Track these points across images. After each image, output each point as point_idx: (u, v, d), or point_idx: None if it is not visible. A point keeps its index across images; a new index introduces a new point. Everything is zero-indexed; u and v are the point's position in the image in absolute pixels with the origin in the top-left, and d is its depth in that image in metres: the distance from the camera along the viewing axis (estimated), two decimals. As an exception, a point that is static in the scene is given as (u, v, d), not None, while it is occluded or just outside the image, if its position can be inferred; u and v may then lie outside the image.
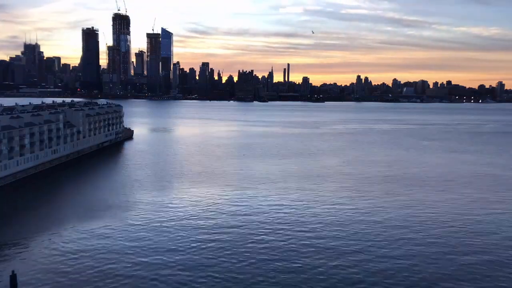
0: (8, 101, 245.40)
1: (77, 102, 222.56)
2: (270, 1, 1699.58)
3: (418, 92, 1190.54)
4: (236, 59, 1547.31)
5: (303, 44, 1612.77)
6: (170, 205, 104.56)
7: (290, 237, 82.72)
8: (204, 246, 77.09)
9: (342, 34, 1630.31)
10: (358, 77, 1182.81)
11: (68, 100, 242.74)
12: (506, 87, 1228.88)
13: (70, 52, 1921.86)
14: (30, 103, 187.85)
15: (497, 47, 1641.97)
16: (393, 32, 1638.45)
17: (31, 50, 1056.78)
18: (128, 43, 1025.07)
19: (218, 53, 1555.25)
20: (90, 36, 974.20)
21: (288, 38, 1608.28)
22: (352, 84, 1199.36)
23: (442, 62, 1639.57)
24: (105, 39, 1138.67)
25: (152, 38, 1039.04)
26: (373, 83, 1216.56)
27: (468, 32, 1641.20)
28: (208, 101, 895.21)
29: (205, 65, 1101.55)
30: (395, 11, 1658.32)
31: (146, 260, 70.49)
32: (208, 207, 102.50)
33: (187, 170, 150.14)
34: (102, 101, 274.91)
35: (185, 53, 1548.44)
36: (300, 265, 69.72)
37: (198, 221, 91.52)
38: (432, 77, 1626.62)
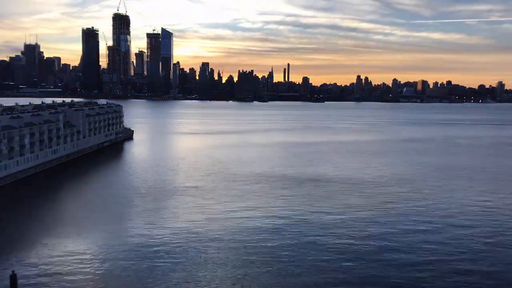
0: (8, 101, 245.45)
1: (77, 102, 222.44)
2: (233, 14, 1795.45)
3: (418, 92, 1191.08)
4: (221, 61, 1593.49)
5: (282, 47, 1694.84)
6: (171, 207, 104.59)
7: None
8: (207, 251, 77.13)
9: (313, 39, 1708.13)
10: (358, 77, 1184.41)
11: (68, 100, 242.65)
12: (506, 87, 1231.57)
13: (70, 52, 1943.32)
14: (30, 103, 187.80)
15: (470, 49, 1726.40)
16: (362, 37, 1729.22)
17: (31, 50, 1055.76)
18: (128, 43, 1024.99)
19: (205, 55, 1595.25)
20: (90, 36, 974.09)
21: (265, 43, 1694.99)
22: (352, 84, 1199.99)
23: (432, 64, 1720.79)
24: (105, 39, 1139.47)
25: (152, 38, 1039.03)
26: (373, 83, 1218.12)
27: (431, 37, 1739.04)
28: (208, 101, 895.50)
29: (205, 65, 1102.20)
30: (349, 20, 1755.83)
31: (145, 262, 70.47)
32: (207, 212, 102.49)
33: (186, 171, 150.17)
34: (102, 101, 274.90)
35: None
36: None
37: (197, 228, 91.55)
38: (412, 77, 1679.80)
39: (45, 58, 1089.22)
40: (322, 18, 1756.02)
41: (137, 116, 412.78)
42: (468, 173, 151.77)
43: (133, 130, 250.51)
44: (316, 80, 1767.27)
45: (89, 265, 68.01)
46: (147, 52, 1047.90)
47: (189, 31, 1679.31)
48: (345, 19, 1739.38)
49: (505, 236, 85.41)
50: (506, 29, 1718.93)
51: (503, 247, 79.35)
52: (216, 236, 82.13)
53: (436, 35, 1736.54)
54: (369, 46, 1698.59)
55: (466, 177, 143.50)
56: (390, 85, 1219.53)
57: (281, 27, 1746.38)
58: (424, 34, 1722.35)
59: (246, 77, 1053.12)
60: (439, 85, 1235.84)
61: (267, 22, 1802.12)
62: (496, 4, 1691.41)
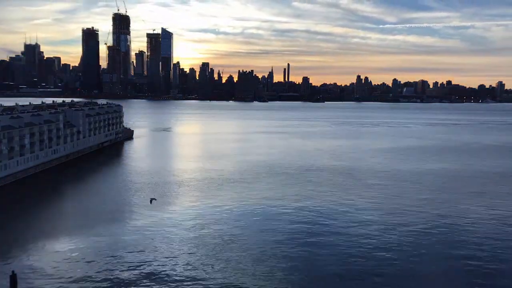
0: (8, 101, 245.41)
1: (77, 102, 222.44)
2: (212, 20, 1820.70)
3: (418, 92, 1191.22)
4: (211, 63, 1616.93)
5: (267, 50, 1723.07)
6: (170, 207, 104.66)
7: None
8: (204, 252, 77.20)
9: (294, 41, 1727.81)
10: (358, 77, 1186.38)
11: (68, 100, 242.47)
12: (506, 87, 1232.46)
13: (70, 52, 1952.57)
14: (30, 103, 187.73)
15: (451, 52, 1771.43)
16: (342, 41, 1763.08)
17: (31, 50, 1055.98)
18: (128, 43, 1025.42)
19: (195, 57, 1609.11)
20: (90, 36, 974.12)
21: (250, 45, 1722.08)
22: (352, 84, 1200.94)
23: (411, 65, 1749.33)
24: (105, 39, 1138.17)
25: (152, 38, 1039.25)
26: (373, 83, 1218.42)
27: (407, 40, 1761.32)
28: (209, 101, 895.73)
29: (205, 65, 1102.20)
30: (322, 25, 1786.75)
31: (145, 262, 70.51)
32: (205, 213, 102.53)
33: (186, 171, 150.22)
34: (102, 101, 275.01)
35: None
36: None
37: (196, 228, 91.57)
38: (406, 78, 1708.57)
39: (45, 58, 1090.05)
40: (295, 23, 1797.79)
41: (137, 116, 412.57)
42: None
43: (133, 130, 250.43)
44: (315, 80, 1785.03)
45: (89, 265, 68.00)
46: (147, 52, 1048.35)
47: (174, 34, 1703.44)
48: (318, 24, 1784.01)
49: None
50: (473, 33, 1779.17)
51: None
52: (213, 235, 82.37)
53: (412, 38, 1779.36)
54: (353, 49, 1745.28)
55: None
56: (390, 85, 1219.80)
57: (260, 31, 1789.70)
58: (399, 37, 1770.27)
59: (246, 77, 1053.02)
60: (439, 85, 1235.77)
61: (246, 27, 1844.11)
62: (451, 12, 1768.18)
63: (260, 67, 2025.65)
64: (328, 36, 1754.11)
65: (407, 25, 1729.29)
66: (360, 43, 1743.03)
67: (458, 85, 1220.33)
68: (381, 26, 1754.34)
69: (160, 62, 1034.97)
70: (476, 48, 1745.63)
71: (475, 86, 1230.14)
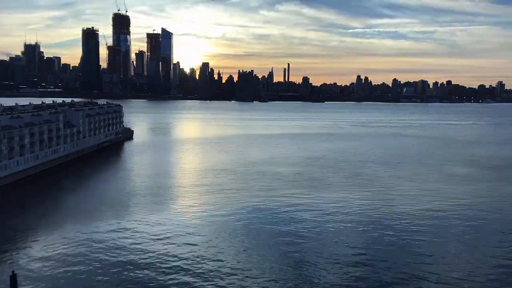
0: (8, 101, 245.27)
1: (77, 102, 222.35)
2: (190, 25, 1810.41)
3: (418, 92, 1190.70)
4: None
5: (254, 52, 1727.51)
6: (170, 207, 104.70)
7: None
8: (203, 251, 77.18)
9: (276, 44, 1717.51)
10: (358, 77, 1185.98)
11: (68, 100, 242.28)
12: (506, 87, 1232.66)
13: (70, 52, 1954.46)
14: (30, 103, 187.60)
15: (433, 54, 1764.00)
16: (321, 44, 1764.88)
17: (31, 50, 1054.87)
18: (128, 43, 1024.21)
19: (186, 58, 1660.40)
20: (90, 36, 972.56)
21: (234, 48, 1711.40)
22: (352, 84, 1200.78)
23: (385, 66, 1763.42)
24: (105, 39, 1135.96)
25: (152, 38, 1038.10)
26: (373, 83, 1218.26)
27: (384, 43, 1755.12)
28: (209, 101, 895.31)
29: (205, 65, 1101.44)
30: (296, 30, 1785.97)
31: (146, 261, 70.47)
32: (203, 214, 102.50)
33: (186, 171, 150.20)
34: (102, 101, 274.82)
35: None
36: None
37: (193, 230, 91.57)
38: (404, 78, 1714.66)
39: (45, 58, 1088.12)
40: (269, 28, 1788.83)
41: (137, 116, 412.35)
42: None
43: (133, 130, 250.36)
44: (315, 80, 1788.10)
45: (89, 265, 67.96)
46: (147, 52, 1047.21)
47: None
48: (293, 30, 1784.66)
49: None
50: (441, 37, 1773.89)
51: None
52: (213, 235, 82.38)
53: (388, 42, 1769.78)
54: (339, 50, 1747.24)
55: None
56: (390, 85, 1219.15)
57: (240, 35, 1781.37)
58: (374, 40, 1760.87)
59: (246, 77, 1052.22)
60: (439, 85, 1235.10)
61: (225, 32, 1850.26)
62: (409, 19, 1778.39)
63: (249, 68, 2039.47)
64: (304, 40, 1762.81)
65: (376, 29, 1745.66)
66: (341, 46, 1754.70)
67: (458, 85, 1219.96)
68: (350, 30, 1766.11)
69: (160, 62, 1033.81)
70: (455, 51, 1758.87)
71: (473, 86, 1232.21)
